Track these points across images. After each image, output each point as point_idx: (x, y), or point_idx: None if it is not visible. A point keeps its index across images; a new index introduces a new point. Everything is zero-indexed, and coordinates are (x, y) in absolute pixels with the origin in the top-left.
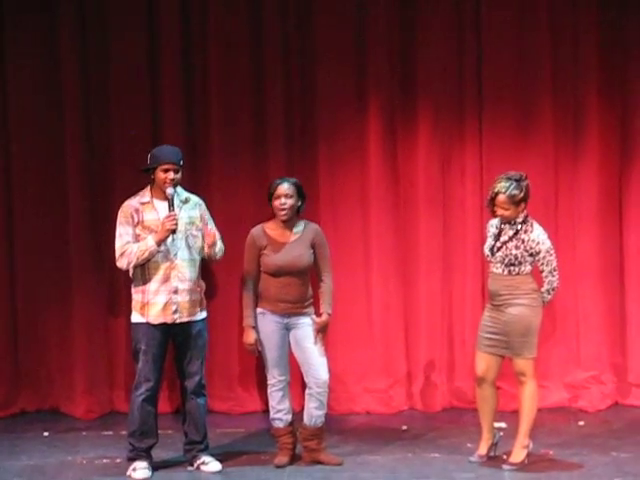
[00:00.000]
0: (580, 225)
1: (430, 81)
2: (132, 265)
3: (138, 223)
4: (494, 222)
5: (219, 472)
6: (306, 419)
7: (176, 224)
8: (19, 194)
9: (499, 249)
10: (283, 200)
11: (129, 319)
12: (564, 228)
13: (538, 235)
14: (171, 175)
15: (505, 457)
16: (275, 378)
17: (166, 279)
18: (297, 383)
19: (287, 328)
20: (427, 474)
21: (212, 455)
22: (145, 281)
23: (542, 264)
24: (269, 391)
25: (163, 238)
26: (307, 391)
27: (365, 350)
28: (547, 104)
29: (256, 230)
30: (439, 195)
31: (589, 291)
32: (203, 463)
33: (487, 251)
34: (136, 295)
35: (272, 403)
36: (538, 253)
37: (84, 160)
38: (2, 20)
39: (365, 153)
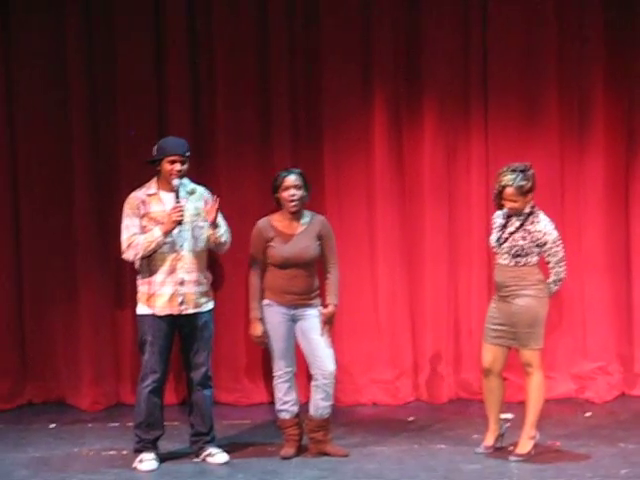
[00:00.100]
0: (586, 216)
1: (435, 73)
2: (139, 257)
3: (144, 215)
4: (500, 213)
5: (225, 463)
6: (312, 410)
7: (182, 215)
8: (25, 190)
9: (506, 240)
10: (293, 191)
11: (135, 311)
12: (570, 219)
13: (545, 226)
14: (177, 166)
15: (512, 448)
16: (281, 370)
17: (172, 270)
18: (303, 375)
19: (293, 320)
20: (433, 465)
21: (218, 447)
22: (151, 273)
23: (548, 255)
24: (275, 383)
25: (169, 229)
26: (313, 382)
27: (371, 341)
28: (553, 95)
29: (262, 222)
30: (445, 187)
31: (595, 282)
32: (209, 455)
33: (494, 242)
34: (142, 287)
35: (278, 395)
36: (545, 244)
37: (90, 159)
38: (9, 20)
39: (370, 145)
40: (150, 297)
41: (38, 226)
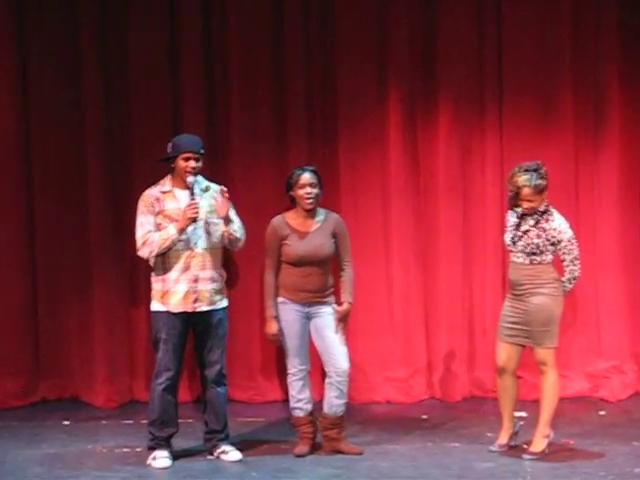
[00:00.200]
0: (601, 215)
1: (451, 72)
2: (154, 254)
3: (159, 212)
4: (513, 212)
5: (239, 461)
6: (326, 408)
7: (197, 213)
8: (40, 190)
9: (520, 238)
10: (309, 189)
11: (149, 308)
12: (585, 218)
13: (559, 224)
14: (192, 164)
15: (526, 446)
16: (295, 367)
17: (187, 268)
18: (317, 372)
19: (308, 317)
20: (447, 463)
21: (232, 444)
22: (165, 270)
23: (563, 253)
24: (289, 380)
25: (184, 227)
26: (327, 380)
27: (385, 340)
28: (567, 95)
29: (277, 220)
30: (459, 185)
31: (610, 281)
32: (223, 452)
33: (508, 240)
34: (156, 284)
35: (292, 392)
36: (560, 242)
37: (104, 158)
38: (24, 20)
39: (385, 143)
40: (164, 294)
41: (52, 225)
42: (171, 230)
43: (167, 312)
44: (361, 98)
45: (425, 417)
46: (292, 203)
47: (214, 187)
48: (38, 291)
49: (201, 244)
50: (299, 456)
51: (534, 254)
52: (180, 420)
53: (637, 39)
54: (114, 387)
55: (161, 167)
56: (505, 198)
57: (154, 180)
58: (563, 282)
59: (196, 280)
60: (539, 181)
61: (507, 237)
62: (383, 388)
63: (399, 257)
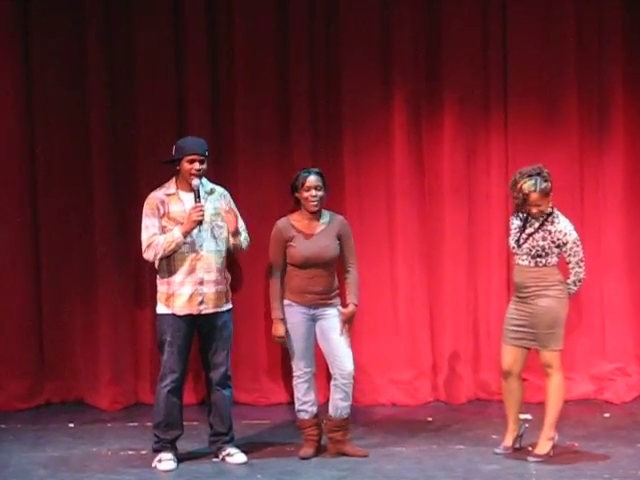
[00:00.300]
0: (605, 217)
1: (455, 73)
2: (159, 257)
3: (164, 215)
4: (517, 214)
5: (244, 464)
6: (331, 410)
7: (202, 215)
8: (44, 190)
9: (525, 241)
10: (314, 192)
11: (154, 310)
12: (589, 220)
13: (565, 226)
14: (197, 166)
15: (530, 449)
16: (301, 370)
17: (192, 270)
18: (322, 375)
19: (313, 319)
20: (452, 466)
21: (237, 447)
22: (171, 272)
23: (569, 255)
24: (295, 383)
25: (189, 229)
26: (332, 382)
27: (390, 342)
28: (572, 96)
29: (282, 222)
30: (464, 187)
31: (614, 283)
32: (228, 455)
33: (513, 243)
34: (161, 286)
35: (297, 395)
36: (565, 244)
37: (109, 159)
38: (29, 20)
39: (390, 145)
40: (169, 297)
41: (56, 226)
42: (176, 233)
43: (172, 314)
44: (366, 99)
45: (430, 419)
46: (297, 205)
47: (219, 190)
48: (42, 293)
49: (206, 247)
50: (304, 458)
51: (539, 256)
52: (185, 422)
53: None
54: (119, 389)
55: (166, 166)
56: (510, 199)
57: (159, 180)
58: (568, 284)
59: (201, 283)
60: (544, 184)
61: (512, 240)
62: (388, 390)
63: (404, 259)
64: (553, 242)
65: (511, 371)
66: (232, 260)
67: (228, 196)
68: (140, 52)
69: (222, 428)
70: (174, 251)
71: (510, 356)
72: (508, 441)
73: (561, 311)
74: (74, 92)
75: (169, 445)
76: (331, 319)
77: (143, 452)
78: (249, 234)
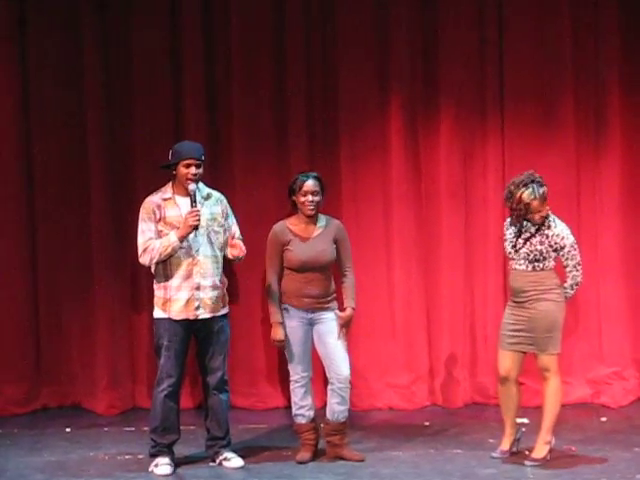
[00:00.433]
0: (602, 221)
1: (452, 77)
2: (154, 261)
3: (160, 219)
4: (510, 220)
5: (241, 468)
6: (329, 414)
7: (199, 220)
8: (41, 191)
9: (523, 245)
10: (311, 198)
11: (151, 315)
12: (586, 223)
13: (562, 230)
14: (193, 170)
15: (527, 453)
16: (298, 374)
17: (188, 275)
18: (319, 379)
19: (311, 323)
20: (449, 470)
21: (234, 451)
22: (167, 277)
23: (567, 259)
24: (292, 387)
25: (185, 234)
26: (329, 387)
27: (387, 346)
28: (569, 99)
29: (279, 226)
30: (461, 191)
31: (611, 287)
32: (225, 459)
33: (509, 248)
34: (158, 291)
35: (295, 399)
36: (563, 248)
37: (106, 160)
38: (25, 20)
39: (387, 149)
40: (166, 302)
41: (53, 229)
42: (172, 237)
43: (169, 319)
44: (362, 103)
45: (427, 423)
46: (294, 208)
47: (216, 195)
48: (39, 297)
49: (202, 252)
50: (301, 463)
51: (537, 261)
52: (182, 427)
53: (638, 43)
54: (116, 394)
55: (163, 169)
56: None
57: (156, 182)
58: (565, 288)
59: (198, 288)
60: (542, 189)
61: (508, 245)
62: (385, 394)
63: (401, 263)
64: (551, 246)
65: (509, 376)
66: (229, 264)
67: (225, 201)
68: (137, 53)
69: (219, 432)
70: (170, 256)
71: (508, 361)
72: (505, 445)
73: (559, 315)
74: (70, 93)
75: (166, 449)
76: (328, 323)
77: (140, 456)
78: (244, 241)
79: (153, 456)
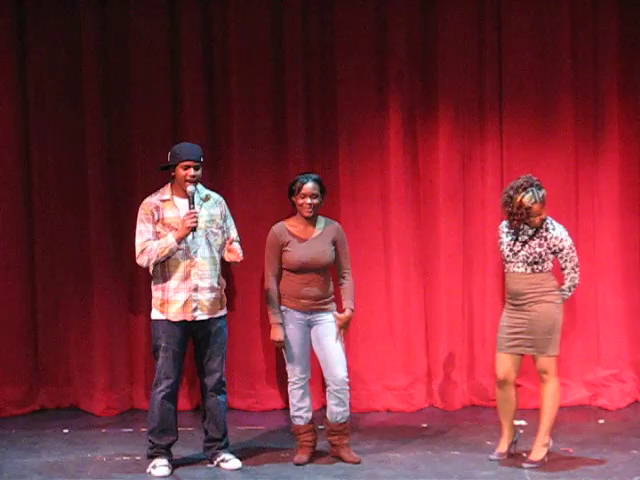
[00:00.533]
0: (600, 222)
1: (450, 78)
2: (152, 262)
3: (158, 220)
4: (506, 223)
5: (239, 469)
6: (328, 415)
7: (196, 222)
8: (39, 194)
9: (521, 248)
10: (309, 200)
11: (149, 316)
12: (584, 225)
13: (560, 232)
14: (192, 172)
15: (525, 455)
16: (296, 376)
17: (186, 277)
18: (318, 381)
19: (309, 325)
20: (447, 472)
21: (232, 452)
22: (165, 279)
23: (565, 261)
24: (290, 389)
25: (183, 236)
26: (327, 388)
27: (385, 348)
28: (567, 101)
29: (278, 227)
30: (459, 192)
31: (609, 289)
32: (223, 460)
33: (507, 251)
34: (156, 292)
35: (293, 401)
36: (561, 250)
37: (105, 163)
38: (23, 24)
39: (385, 150)
40: (164, 303)
41: (52, 232)
42: (170, 239)
43: (167, 320)
44: (361, 105)
45: (425, 425)
46: (293, 207)
47: (214, 196)
48: (37, 299)
49: (200, 253)
50: (299, 464)
51: (536, 263)
52: (180, 428)
53: (636, 46)
54: (114, 395)
55: (161, 171)
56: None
57: (155, 183)
58: (563, 290)
59: (196, 289)
60: (541, 192)
61: (505, 248)
62: (383, 396)
63: (399, 265)
64: (549, 248)
65: (507, 379)
66: (227, 266)
67: (224, 203)
68: (135, 57)
69: (217, 434)
70: (168, 257)
71: (506, 364)
72: (503, 447)
73: (559, 316)
74: (69, 94)
75: (164, 451)
76: (326, 324)
77: (138, 458)
78: (241, 244)
79: (151, 457)
